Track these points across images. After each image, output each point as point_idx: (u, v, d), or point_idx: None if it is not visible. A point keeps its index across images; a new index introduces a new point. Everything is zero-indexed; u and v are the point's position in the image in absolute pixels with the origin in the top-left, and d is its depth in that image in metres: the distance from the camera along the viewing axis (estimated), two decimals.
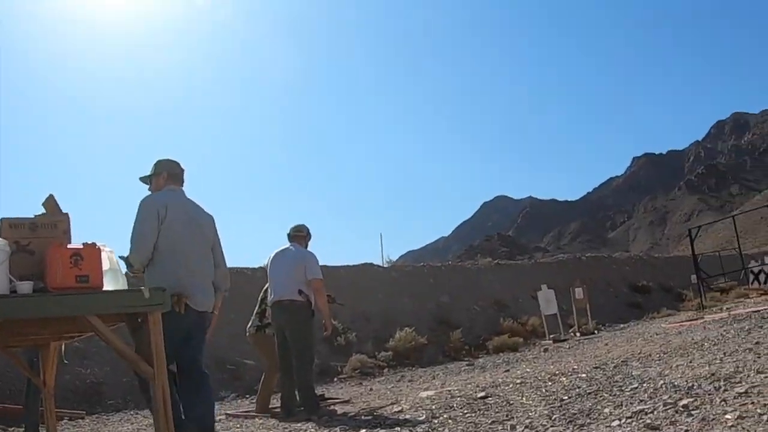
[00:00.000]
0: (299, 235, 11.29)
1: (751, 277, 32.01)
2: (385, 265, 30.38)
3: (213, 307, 7.40)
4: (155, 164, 7.43)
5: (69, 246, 5.48)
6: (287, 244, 11.24)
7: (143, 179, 7.51)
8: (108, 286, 5.66)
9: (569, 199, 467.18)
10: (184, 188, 7.41)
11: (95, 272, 5.44)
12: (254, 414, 11.74)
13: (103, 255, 5.71)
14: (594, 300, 29.71)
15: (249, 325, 12.40)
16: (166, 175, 7.34)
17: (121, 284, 5.96)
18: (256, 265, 23.50)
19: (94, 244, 5.57)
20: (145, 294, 5.46)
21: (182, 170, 7.49)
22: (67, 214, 5.81)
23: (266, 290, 11.69)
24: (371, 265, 29.10)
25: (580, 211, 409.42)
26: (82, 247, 5.46)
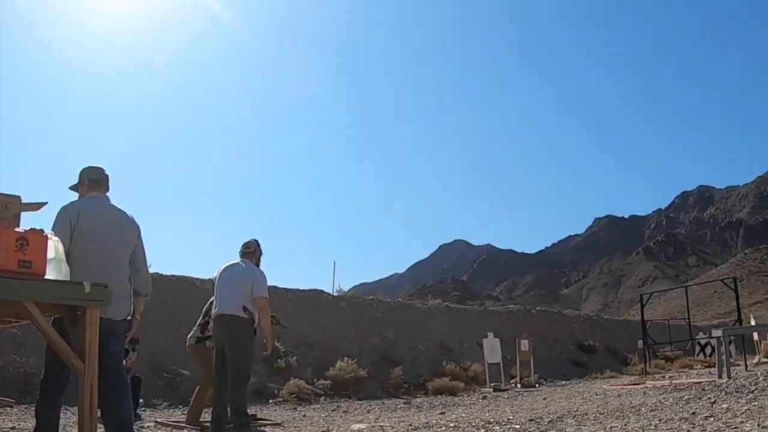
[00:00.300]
0: (248, 252, 11.09)
1: (698, 348, 32.28)
2: (334, 294, 30.31)
3: (133, 311, 7.21)
4: (79, 172, 7.41)
5: (17, 230, 5.41)
6: (238, 259, 11.06)
7: (72, 188, 7.47)
8: (50, 275, 5.60)
9: (527, 252, 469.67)
10: (108, 194, 7.36)
11: (39, 259, 5.41)
12: (184, 425, 11.63)
13: (50, 243, 5.66)
14: (539, 354, 29.76)
15: (190, 336, 12.32)
16: (88, 183, 7.30)
17: (64, 275, 5.86)
18: (205, 276, 23.38)
19: (42, 231, 5.52)
20: (86, 288, 5.40)
21: (104, 176, 7.44)
22: (18, 197, 5.74)
23: (211, 303, 11.56)
24: (321, 292, 29.03)
25: (537, 264, 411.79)
26: (29, 232, 5.39)
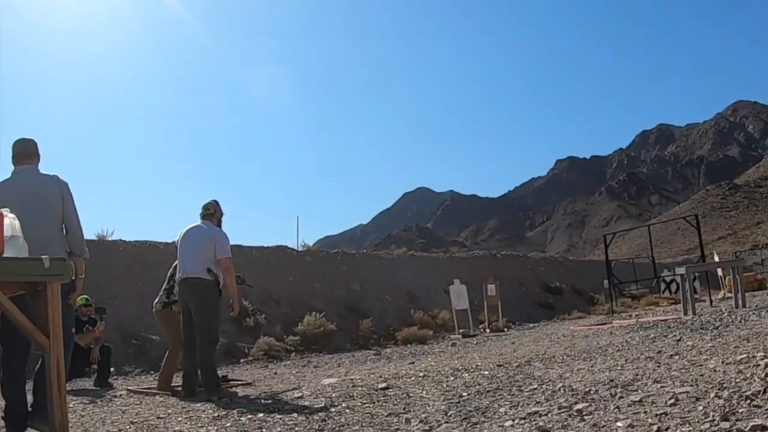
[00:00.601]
0: (209, 213, 11.09)
1: (663, 285, 32.50)
2: (299, 249, 30.24)
3: (75, 272, 7.24)
4: None
5: None
6: (198, 222, 11.06)
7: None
8: (8, 253, 5.55)
9: (490, 196, 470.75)
10: (35, 163, 7.47)
11: None
12: (155, 391, 11.61)
13: (6, 222, 5.61)
14: (506, 298, 29.87)
15: (156, 301, 12.28)
16: (12, 158, 7.46)
17: (23, 252, 5.83)
18: (169, 240, 23.29)
19: None
20: (45, 263, 5.37)
21: (25, 148, 7.50)
22: None
23: (176, 267, 11.54)
24: (285, 247, 28.94)
25: (500, 208, 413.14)
26: None
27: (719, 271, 31.99)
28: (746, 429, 4.38)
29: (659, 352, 9.77)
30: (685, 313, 18.26)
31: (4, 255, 5.46)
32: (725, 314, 15.58)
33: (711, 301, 24.95)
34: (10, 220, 5.79)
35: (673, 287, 30.64)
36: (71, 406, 8.77)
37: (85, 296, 14.06)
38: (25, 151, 7.47)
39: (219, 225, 11.17)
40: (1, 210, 5.63)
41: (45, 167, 7.48)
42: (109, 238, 23.43)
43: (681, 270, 20.57)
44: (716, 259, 34.22)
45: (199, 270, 10.46)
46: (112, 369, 15.01)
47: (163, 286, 12.20)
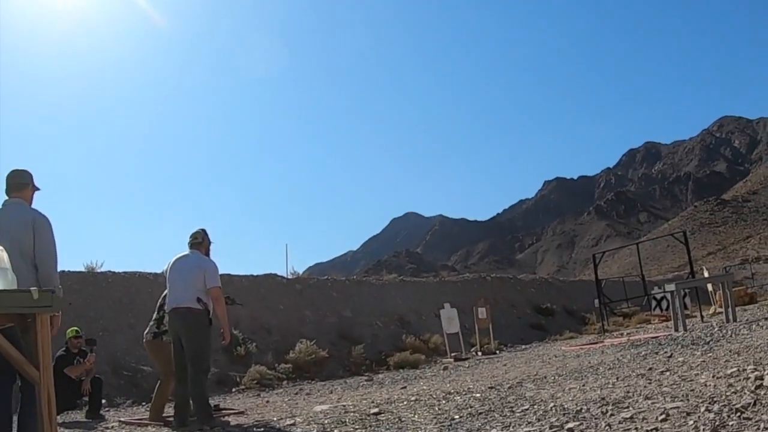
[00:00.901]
0: (197, 242, 11.07)
1: (654, 303, 32.54)
2: (288, 277, 30.21)
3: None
4: None
5: None
6: (187, 251, 11.04)
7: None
8: None
9: (479, 219, 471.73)
10: (25, 195, 7.46)
11: None
12: (147, 422, 11.60)
13: None
14: (497, 320, 29.89)
15: (146, 332, 12.27)
16: (5, 188, 7.50)
17: (11, 284, 5.82)
18: (158, 271, 23.29)
19: None
20: (34, 295, 5.37)
21: (12, 181, 7.47)
22: None
23: (165, 297, 11.51)
24: (275, 275, 28.92)
25: (490, 231, 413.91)
26: None
27: (709, 287, 32.01)
28: None
29: (650, 368, 9.79)
30: (676, 330, 18.29)
31: None
32: (716, 329, 15.63)
33: (702, 317, 24.99)
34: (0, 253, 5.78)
35: (664, 304, 30.68)
36: None
37: (76, 328, 14.09)
38: (14, 183, 7.43)
39: (207, 254, 11.15)
40: None
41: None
42: (99, 270, 23.42)
43: (671, 287, 20.58)
44: (706, 274, 34.29)
45: (189, 300, 10.41)
46: (103, 401, 14.97)
47: (153, 317, 12.18)
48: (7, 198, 7.43)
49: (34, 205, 7.55)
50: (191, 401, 10.47)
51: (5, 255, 5.92)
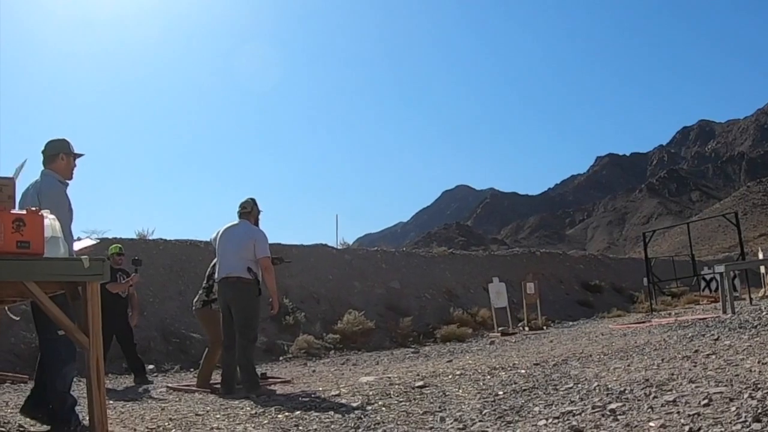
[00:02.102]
0: (246, 212, 11.25)
1: (703, 284, 32.25)
2: (339, 247, 30.26)
3: None
4: None
5: (12, 211, 5.44)
6: (236, 221, 11.21)
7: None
8: (49, 253, 5.63)
9: (530, 193, 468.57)
10: (53, 166, 7.50)
11: (37, 239, 5.43)
12: (195, 388, 11.70)
13: (46, 222, 5.68)
14: (545, 296, 29.79)
15: (195, 300, 12.41)
16: None
17: (63, 252, 5.91)
18: (208, 239, 23.46)
19: (37, 211, 5.54)
20: (85, 264, 5.45)
21: (45, 151, 7.56)
22: (12, 178, 5.74)
23: (214, 266, 11.72)
24: (325, 246, 28.99)
25: (540, 206, 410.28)
26: (25, 213, 5.43)
27: (762, 269, 31.68)
28: None
29: (696, 351, 9.76)
30: (724, 312, 18.16)
31: (45, 255, 5.54)
32: (764, 313, 15.50)
33: (751, 300, 24.77)
34: (50, 221, 5.86)
35: (713, 285, 30.42)
36: (110, 402, 8.86)
37: (119, 245, 14.27)
38: (46, 154, 7.54)
39: (256, 223, 11.31)
40: (42, 211, 5.70)
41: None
42: (150, 237, 23.61)
43: (720, 268, 20.44)
44: (760, 255, 33.89)
45: (239, 269, 10.59)
46: (151, 366, 15.18)
47: (203, 285, 12.32)
48: (43, 169, 7.48)
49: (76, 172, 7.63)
50: (238, 369, 10.67)
51: (57, 224, 6.01)
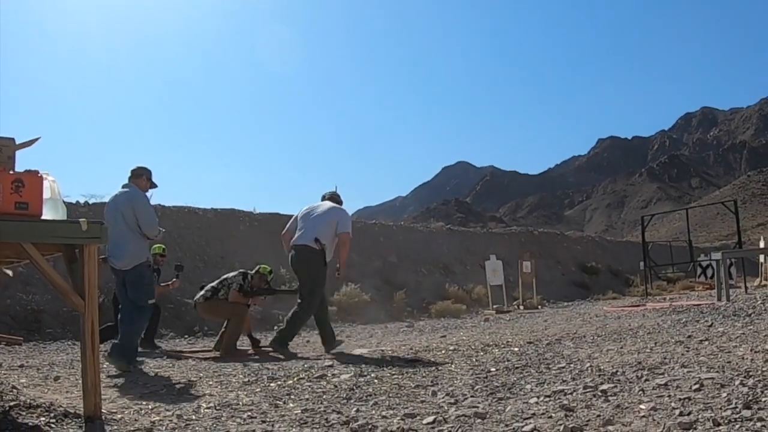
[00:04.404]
0: (335, 199, 12.32)
1: (699, 270, 32.28)
2: None
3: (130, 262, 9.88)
4: None
5: (11, 172, 5.43)
6: (319, 202, 12.24)
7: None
8: (47, 215, 5.63)
9: (530, 173, 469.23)
10: (129, 183, 10.28)
11: (35, 200, 5.42)
12: (188, 354, 11.86)
13: (46, 184, 5.67)
14: (542, 275, 29.91)
15: (197, 297, 12.63)
16: None
17: (61, 215, 5.91)
18: (206, 206, 23.53)
19: (36, 172, 5.53)
20: (83, 226, 5.44)
21: (132, 172, 10.39)
22: (12, 139, 5.74)
23: (242, 273, 12.83)
24: None
25: (540, 185, 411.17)
26: (24, 173, 5.42)
27: (761, 258, 31.68)
28: (767, 418, 4.43)
29: (689, 336, 9.79)
30: (719, 299, 18.19)
31: (43, 217, 5.54)
32: (759, 302, 15.53)
33: (746, 288, 24.81)
34: (50, 183, 5.86)
35: (709, 272, 30.46)
36: (104, 366, 8.89)
37: (162, 245, 14.44)
38: (135, 173, 10.36)
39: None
40: (42, 172, 5.70)
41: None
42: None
43: (717, 255, 20.46)
44: (762, 244, 33.83)
45: (308, 239, 11.51)
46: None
47: (212, 285, 12.74)
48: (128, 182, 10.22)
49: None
50: (289, 324, 11.72)
51: (57, 186, 6.01)
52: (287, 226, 12.29)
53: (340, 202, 12.34)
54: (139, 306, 9.86)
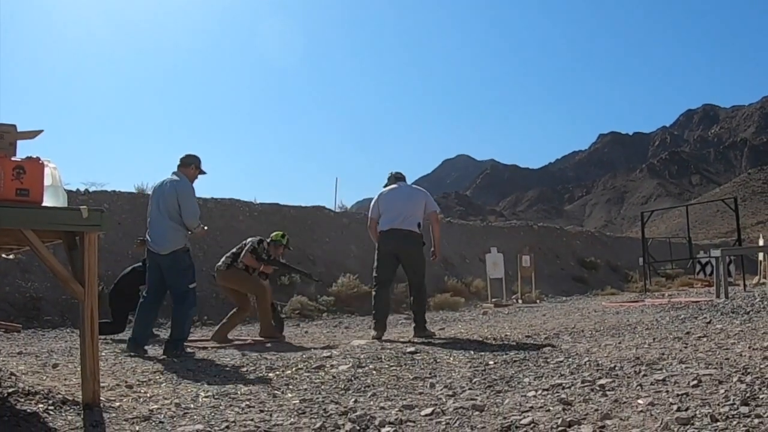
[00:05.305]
0: (400, 177, 12.70)
1: (698, 267, 32.35)
2: (337, 210, 30.28)
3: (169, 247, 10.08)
4: None
5: (13, 158, 5.44)
6: (396, 184, 12.47)
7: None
8: (48, 202, 5.63)
9: (531, 167, 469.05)
10: (177, 171, 10.50)
11: (36, 187, 5.42)
12: (199, 345, 11.81)
13: (47, 171, 5.66)
14: (541, 270, 29.92)
15: (220, 263, 12.74)
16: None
17: (62, 202, 5.91)
18: (207, 196, 23.54)
19: (38, 159, 5.53)
20: (84, 214, 5.44)
21: (182, 160, 10.59)
22: (14, 125, 5.73)
23: (258, 240, 12.91)
24: (323, 208, 29.01)
25: (540, 180, 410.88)
26: (25, 160, 5.42)
27: (760, 256, 31.68)
28: (765, 415, 4.43)
29: (688, 333, 9.80)
30: (718, 296, 18.20)
31: (44, 204, 5.55)
32: (757, 299, 15.52)
33: (745, 286, 24.81)
34: (51, 170, 5.86)
35: (708, 269, 30.52)
36: (102, 354, 8.90)
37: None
38: (183, 161, 10.59)
39: None
40: (43, 159, 5.69)
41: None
42: (148, 191, 23.67)
43: (716, 252, 20.47)
44: (761, 242, 33.82)
45: (411, 224, 11.97)
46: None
47: (232, 251, 12.88)
48: (177, 171, 10.47)
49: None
50: (418, 307, 12.18)
51: (58, 173, 6.01)
52: (370, 215, 12.58)
53: (404, 179, 12.75)
54: (181, 293, 10.15)
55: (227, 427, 5.10)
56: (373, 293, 12.22)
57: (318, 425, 5.03)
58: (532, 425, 4.75)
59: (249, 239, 12.92)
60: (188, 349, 10.46)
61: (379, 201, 12.33)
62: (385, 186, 12.58)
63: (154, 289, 10.43)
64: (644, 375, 6.23)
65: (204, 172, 10.77)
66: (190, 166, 10.50)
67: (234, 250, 12.83)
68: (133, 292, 12.82)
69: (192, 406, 5.83)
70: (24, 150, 5.69)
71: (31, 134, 5.93)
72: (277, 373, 7.67)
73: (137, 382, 7.07)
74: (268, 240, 13.17)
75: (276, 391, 6.49)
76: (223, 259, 12.82)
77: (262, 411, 5.60)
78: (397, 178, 12.65)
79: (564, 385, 6.07)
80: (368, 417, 5.19)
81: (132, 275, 13.48)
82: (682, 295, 23.48)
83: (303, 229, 25.27)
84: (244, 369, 8.05)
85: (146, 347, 10.45)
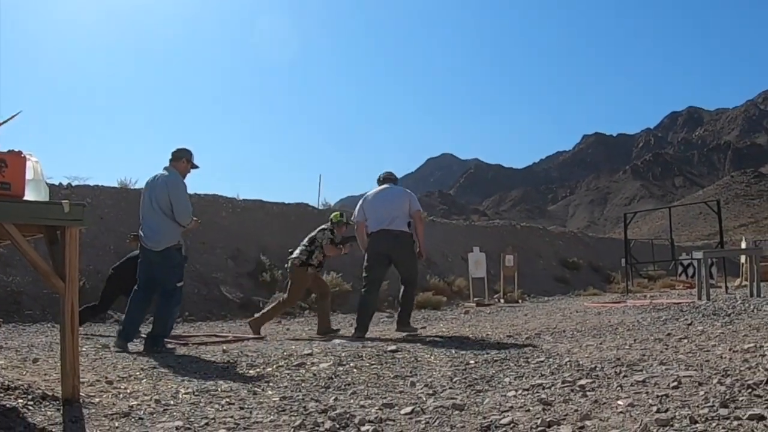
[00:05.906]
0: (391, 179, 12.95)
1: (680, 268, 32.39)
2: (320, 207, 30.26)
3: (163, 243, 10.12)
4: None
5: None
6: (386, 185, 12.71)
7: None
8: (30, 196, 5.59)
9: (515, 167, 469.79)
10: (169, 166, 10.48)
11: (17, 180, 5.39)
12: (172, 343, 11.78)
13: (28, 164, 5.63)
14: (523, 269, 29.92)
15: (295, 256, 13.31)
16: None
17: (44, 196, 5.88)
18: (190, 191, 23.47)
19: (19, 152, 5.50)
20: (65, 208, 5.42)
21: (173, 154, 10.54)
22: None
23: (321, 230, 13.60)
24: (306, 205, 28.98)
25: (524, 179, 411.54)
26: (6, 154, 5.39)
27: (742, 259, 31.77)
28: (744, 417, 4.44)
29: (669, 334, 9.81)
30: (699, 298, 18.24)
31: (25, 198, 5.52)
32: (738, 302, 15.57)
33: (726, 288, 24.88)
34: (33, 163, 5.83)
35: (690, 271, 30.60)
36: (83, 350, 8.89)
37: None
38: (175, 155, 10.52)
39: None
40: (25, 153, 5.67)
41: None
42: (132, 186, 23.57)
43: (699, 254, 20.52)
44: (743, 245, 33.92)
45: (401, 224, 12.13)
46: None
47: (304, 245, 13.44)
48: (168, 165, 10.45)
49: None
50: (406, 304, 12.52)
51: (40, 167, 5.98)
52: (355, 217, 12.76)
53: (396, 181, 13.02)
54: (168, 290, 10.21)
55: (207, 423, 5.09)
56: (362, 292, 12.37)
57: (298, 423, 5.02)
58: (511, 425, 4.75)
59: (314, 233, 13.54)
60: (169, 345, 10.44)
61: (364, 204, 12.53)
62: (379, 184, 12.80)
63: (146, 285, 10.41)
64: (624, 376, 6.24)
65: (196, 166, 10.80)
66: (181, 159, 10.49)
67: (305, 242, 13.41)
68: (133, 277, 12.78)
69: (172, 402, 5.81)
70: (5, 141, 5.67)
71: (9, 119, 5.91)
72: (258, 370, 7.66)
73: (117, 378, 7.05)
74: (329, 226, 13.69)
75: (256, 389, 6.48)
76: (297, 252, 13.31)
77: (242, 408, 5.60)
78: (386, 179, 12.86)
79: (544, 385, 6.07)
80: (348, 415, 5.18)
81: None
82: (664, 296, 23.54)
83: (286, 225, 25.22)
84: (225, 366, 8.04)
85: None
